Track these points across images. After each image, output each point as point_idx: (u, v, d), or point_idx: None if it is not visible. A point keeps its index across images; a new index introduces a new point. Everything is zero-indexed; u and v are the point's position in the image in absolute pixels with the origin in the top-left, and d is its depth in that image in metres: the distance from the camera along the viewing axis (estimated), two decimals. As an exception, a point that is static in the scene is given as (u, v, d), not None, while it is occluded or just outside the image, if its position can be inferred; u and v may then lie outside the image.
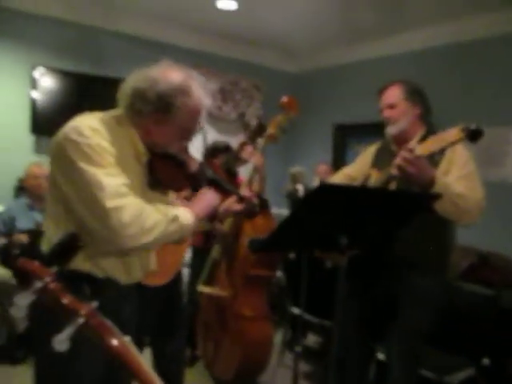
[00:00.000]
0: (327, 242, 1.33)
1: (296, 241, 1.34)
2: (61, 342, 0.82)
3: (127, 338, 0.88)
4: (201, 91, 1.36)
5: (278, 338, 3.36)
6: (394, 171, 1.63)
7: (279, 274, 3.64)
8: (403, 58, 4.43)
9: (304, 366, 3.36)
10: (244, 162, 2.65)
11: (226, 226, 2.64)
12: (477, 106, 3.87)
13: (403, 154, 1.59)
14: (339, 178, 2.26)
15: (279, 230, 1.23)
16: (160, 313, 2.25)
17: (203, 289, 2.82)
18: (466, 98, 3.95)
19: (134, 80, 1.33)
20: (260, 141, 2.68)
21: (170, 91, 1.29)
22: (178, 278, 2.31)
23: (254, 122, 4.83)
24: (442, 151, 1.55)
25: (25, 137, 4.11)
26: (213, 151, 2.81)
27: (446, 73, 4.09)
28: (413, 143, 1.78)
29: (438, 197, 1.57)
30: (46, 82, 4.09)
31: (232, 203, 1.64)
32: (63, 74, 4.16)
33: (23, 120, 4.06)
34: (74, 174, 1.19)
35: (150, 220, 1.23)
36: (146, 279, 1.98)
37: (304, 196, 1.14)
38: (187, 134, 1.40)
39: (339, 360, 2.15)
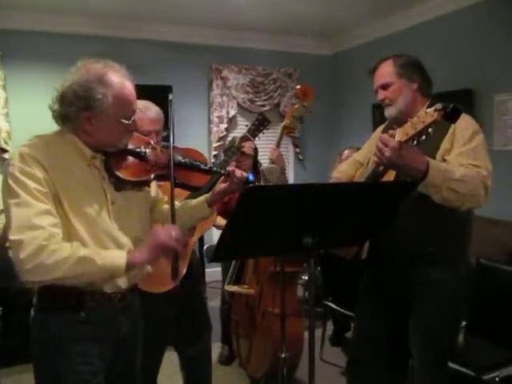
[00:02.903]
0: (293, 244, 1.24)
1: (253, 246, 1.26)
2: None
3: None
4: (120, 76, 1.32)
5: (320, 333, 3.27)
6: (374, 159, 1.49)
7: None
8: (438, 22, 4.09)
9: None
10: (247, 156, 2.57)
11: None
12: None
13: (381, 139, 1.45)
14: (347, 165, 2.13)
15: (222, 240, 1.16)
16: (178, 319, 2.25)
17: (230, 288, 2.82)
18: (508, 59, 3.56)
19: (57, 88, 1.32)
20: (279, 133, 2.60)
21: (85, 86, 1.26)
22: (193, 281, 2.29)
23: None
24: (421, 134, 1.38)
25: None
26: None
27: (482, 31, 3.72)
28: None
29: (412, 185, 1.42)
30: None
31: (219, 183, 1.59)
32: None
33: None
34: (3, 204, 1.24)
35: (54, 257, 1.18)
36: (149, 287, 2.00)
37: (236, 203, 1.06)
38: (127, 123, 1.34)
39: (356, 361, 2.04)
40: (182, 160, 1.48)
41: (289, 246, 1.29)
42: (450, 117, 1.30)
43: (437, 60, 3.78)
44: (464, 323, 2.47)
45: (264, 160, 2.90)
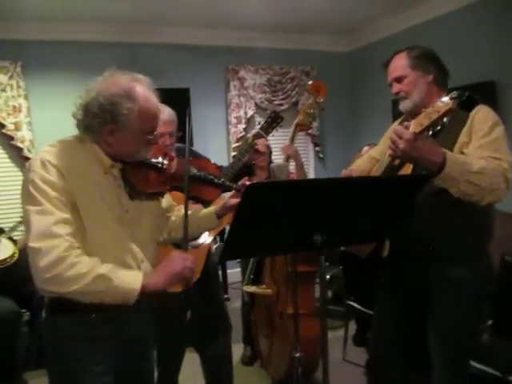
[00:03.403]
0: (303, 242, 1.21)
1: (261, 245, 1.24)
2: None
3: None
4: (146, 91, 1.31)
5: (342, 333, 3.23)
6: (388, 152, 1.45)
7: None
8: (458, 14, 3.99)
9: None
10: (261, 154, 2.54)
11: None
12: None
13: (395, 131, 1.41)
14: (363, 160, 2.09)
15: (228, 240, 1.15)
16: (194, 321, 2.24)
17: (248, 288, 2.80)
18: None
19: (82, 96, 1.32)
20: (292, 130, 2.58)
21: (112, 100, 1.26)
22: (210, 282, 2.29)
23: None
24: (437, 124, 1.33)
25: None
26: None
27: (505, 22, 3.60)
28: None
29: (424, 179, 1.36)
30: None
31: (229, 197, 1.60)
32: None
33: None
34: (22, 209, 1.25)
35: (73, 270, 1.18)
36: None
37: (239, 201, 1.05)
38: (149, 136, 1.35)
39: (375, 361, 2.00)
40: (197, 173, 1.51)
41: (298, 244, 1.26)
42: (466, 105, 1.26)
43: (458, 53, 3.69)
44: (490, 322, 2.39)
45: (278, 158, 2.88)
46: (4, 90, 4.07)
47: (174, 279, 1.32)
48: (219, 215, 1.62)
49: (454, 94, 1.27)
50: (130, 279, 1.26)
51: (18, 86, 4.13)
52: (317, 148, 5.43)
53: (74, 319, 1.32)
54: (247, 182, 1.54)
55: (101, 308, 1.32)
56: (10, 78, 4.09)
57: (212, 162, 2.08)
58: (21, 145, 4.11)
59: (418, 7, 4.29)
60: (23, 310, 3.06)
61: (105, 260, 1.27)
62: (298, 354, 1.65)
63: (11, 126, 4.10)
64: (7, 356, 2.86)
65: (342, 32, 5.19)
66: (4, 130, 4.10)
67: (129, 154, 1.37)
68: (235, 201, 1.56)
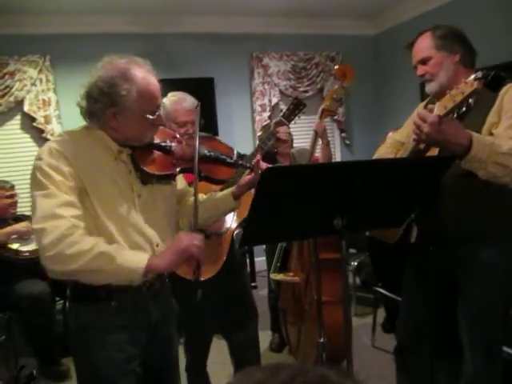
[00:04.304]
0: (323, 227, 1.20)
1: (281, 230, 1.23)
2: None
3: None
4: (144, 71, 1.31)
5: (371, 319, 3.20)
6: (413, 136, 1.41)
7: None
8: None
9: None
10: (283, 141, 2.52)
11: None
12: None
13: (418, 115, 1.36)
14: (387, 145, 2.04)
15: (248, 225, 1.14)
16: (220, 307, 2.26)
17: (276, 276, 2.81)
18: None
19: (85, 84, 1.33)
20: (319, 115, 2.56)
21: (110, 83, 1.27)
22: (235, 268, 2.30)
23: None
24: (462, 106, 1.29)
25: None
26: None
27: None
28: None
29: (449, 160, 1.31)
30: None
31: (244, 177, 1.59)
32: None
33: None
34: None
35: (74, 248, 1.20)
36: (189, 274, 2.02)
37: (257, 186, 1.04)
38: (152, 118, 1.35)
39: (404, 348, 1.97)
40: (208, 153, 1.48)
41: (318, 229, 1.25)
42: (492, 85, 1.21)
43: (484, 33, 3.55)
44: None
45: (304, 143, 2.86)
46: (34, 84, 4.18)
47: (180, 257, 1.30)
48: (237, 196, 1.59)
49: (479, 74, 1.22)
50: (135, 258, 1.26)
51: (47, 80, 4.23)
52: (343, 134, 5.36)
53: (95, 307, 1.34)
54: (261, 161, 1.51)
55: (121, 297, 1.35)
56: (40, 72, 4.19)
57: (235, 151, 2.08)
58: (51, 137, 4.20)
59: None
60: (57, 298, 3.16)
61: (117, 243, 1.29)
62: (321, 340, 1.64)
63: (41, 120, 4.21)
64: (43, 336, 2.95)
65: (367, 15, 5.08)
66: (35, 124, 4.22)
67: (135, 138, 1.37)
68: (249, 177, 1.54)
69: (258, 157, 1.59)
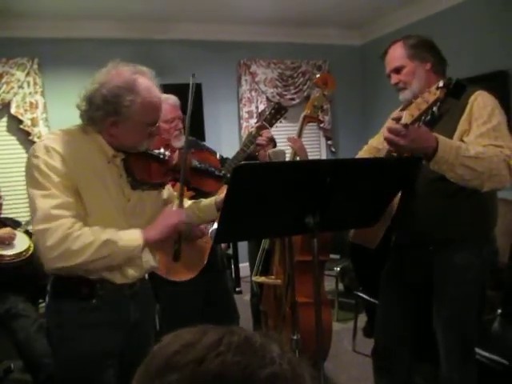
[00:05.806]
0: (295, 225, 1.23)
1: (254, 227, 1.26)
2: None
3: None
4: (149, 83, 1.34)
5: (352, 324, 3.24)
6: (384, 145, 1.45)
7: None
8: (470, 4, 3.94)
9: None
10: (265, 146, 2.55)
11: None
12: None
13: (389, 130, 1.40)
14: (364, 151, 2.10)
15: (221, 222, 1.17)
16: (201, 309, 2.27)
17: (258, 279, 2.83)
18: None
19: (87, 87, 1.35)
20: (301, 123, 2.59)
21: (114, 92, 1.28)
22: (216, 270, 2.32)
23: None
24: (426, 114, 1.33)
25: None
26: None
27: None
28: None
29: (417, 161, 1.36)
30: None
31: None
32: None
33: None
34: (27, 193, 1.30)
35: (79, 242, 1.24)
36: (173, 275, 2.05)
37: (228, 183, 1.08)
38: (151, 128, 1.39)
39: (381, 350, 2.00)
40: (198, 165, 1.53)
41: (291, 227, 1.28)
42: (454, 93, 1.25)
43: (470, 43, 3.65)
44: (499, 311, 2.38)
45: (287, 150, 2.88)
46: (21, 87, 4.18)
47: (170, 231, 1.41)
48: (219, 206, 1.61)
49: (441, 83, 1.26)
50: (132, 237, 1.33)
51: (35, 83, 4.23)
52: (329, 142, 5.42)
53: (76, 305, 1.36)
54: None
55: (102, 295, 1.37)
56: (27, 74, 4.19)
57: (217, 155, 2.11)
58: (37, 140, 4.18)
59: (430, -2, 4.26)
60: (40, 301, 3.14)
61: None
62: (295, 337, 1.67)
63: (28, 122, 4.21)
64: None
65: (354, 25, 5.17)
66: (21, 126, 4.21)
67: (131, 146, 1.40)
68: None
69: None
